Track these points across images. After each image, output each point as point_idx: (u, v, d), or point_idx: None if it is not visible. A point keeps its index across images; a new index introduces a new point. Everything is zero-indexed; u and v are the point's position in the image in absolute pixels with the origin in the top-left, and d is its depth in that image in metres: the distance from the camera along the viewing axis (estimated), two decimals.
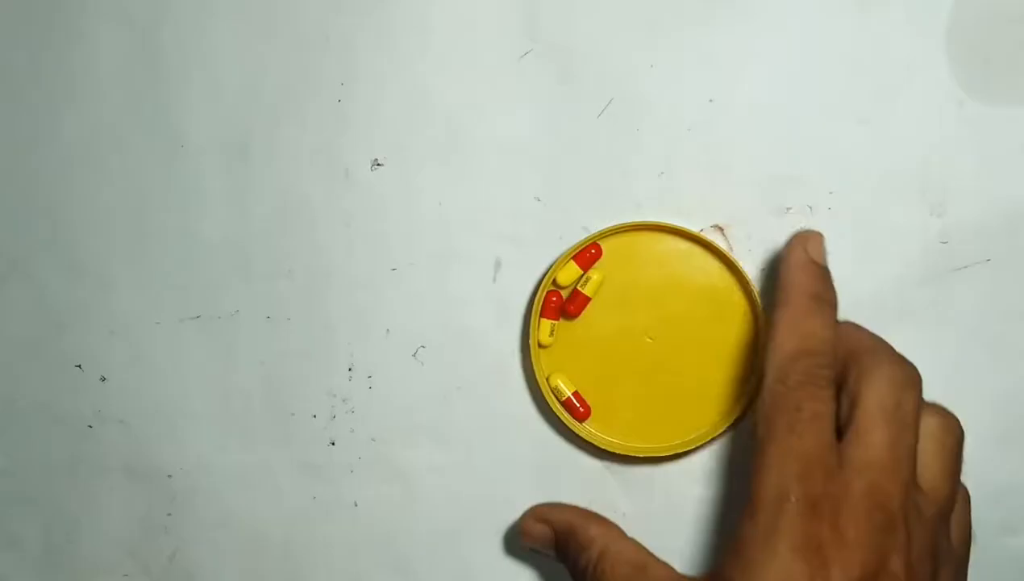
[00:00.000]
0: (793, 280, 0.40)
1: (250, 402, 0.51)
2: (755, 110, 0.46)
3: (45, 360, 0.52)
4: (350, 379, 0.50)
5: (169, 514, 0.52)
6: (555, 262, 0.46)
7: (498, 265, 0.48)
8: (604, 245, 0.46)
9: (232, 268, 0.50)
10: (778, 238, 0.46)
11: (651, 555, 0.38)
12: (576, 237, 0.47)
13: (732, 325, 0.45)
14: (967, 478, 0.40)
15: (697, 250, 0.46)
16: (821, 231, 0.44)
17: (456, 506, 0.50)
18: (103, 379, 0.52)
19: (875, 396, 0.36)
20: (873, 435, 0.35)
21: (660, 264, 0.46)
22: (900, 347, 0.40)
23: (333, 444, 0.51)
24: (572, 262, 0.46)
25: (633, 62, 0.47)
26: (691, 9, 0.46)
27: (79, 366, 0.52)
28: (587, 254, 0.46)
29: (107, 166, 0.51)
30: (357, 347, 0.50)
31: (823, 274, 0.41)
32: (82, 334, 0.52)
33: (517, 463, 0.49)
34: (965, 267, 0.46)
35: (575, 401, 0.46)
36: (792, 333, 0.38)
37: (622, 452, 0.45)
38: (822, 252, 0.42)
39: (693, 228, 0.45)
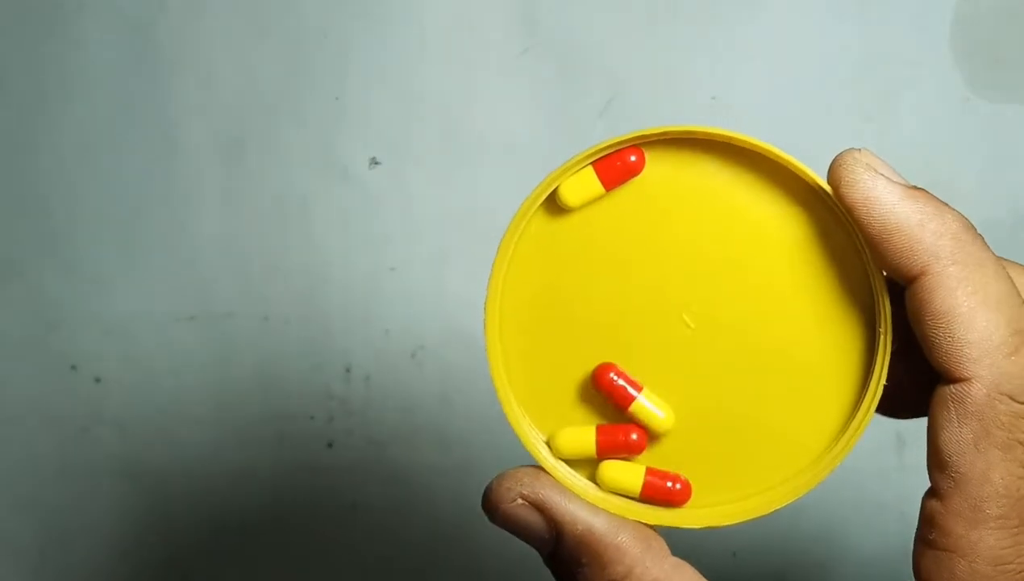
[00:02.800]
0: (937, 228, 0.24)
1: (247, 403, 0.51)
2: (757, 107, 0.46)
3: (39, 361, 0.52)
4: (348, 380, 0.50)
5: (166, 516, 0.52)
6: (562, 165, 0.28)
7: None
8: (648, 155, 0.27)
9: (228, 268, 0.50)
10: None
11: None
12: None
13: (834, 316, 0.26)
14: None
15: (782, 200, 0.26)
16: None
17: (455, 508, 0.49)
18: (98, 380, 0.52)
19: None
20: None
21: (722, 206, 0.27)
22: None
23: (331, 446, 0.50)
24: (590, 169, 0.28)
25: (633, 61, 0.46)
26: (692, 7, 0.46)
27: (74, 367, 0.52)
28: (617, 161, 0.27)
29: (103, 166, 0.51)
30: (355, 348, 0.49)
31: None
32: (76, 335, 0.52)
33: (517, 464, 0.49)
34: None
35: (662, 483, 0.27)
36: (994, 309, 0.24)
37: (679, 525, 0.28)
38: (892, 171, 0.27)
39: None
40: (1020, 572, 0.24)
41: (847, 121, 0.45)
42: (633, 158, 0.27)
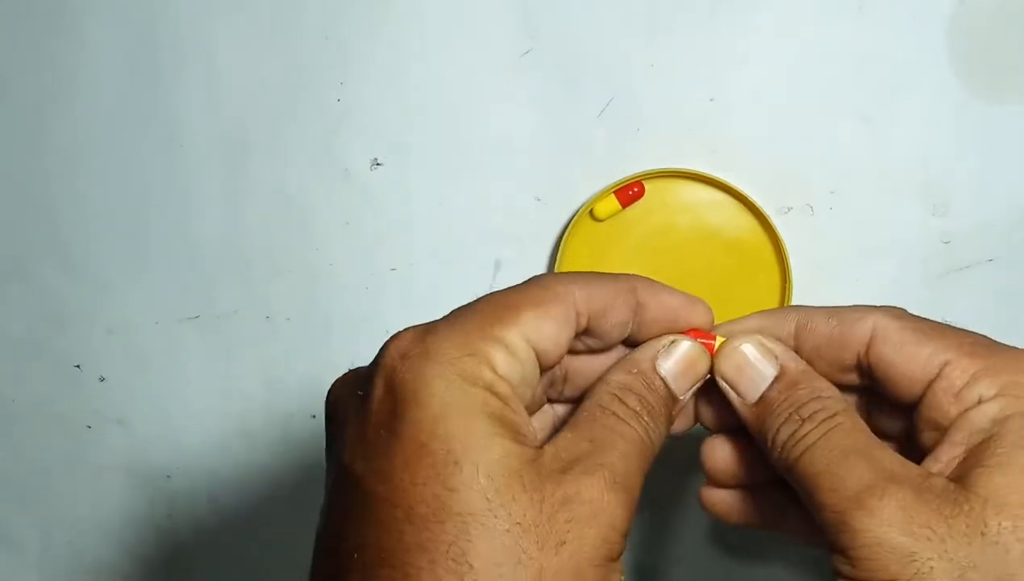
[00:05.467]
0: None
1: (249, 402, 0.51)
2: (756, 109, 0.46)
3: (44, 360, 0.52)
4: None
5: (168, 515, 0.52)
6: (594, 195, 0.46)
7: (498, 265, 0.48)
8: (647, 186, 0.45)
9: (231, 268, 0.50)
10: (781, 237, 0.46)
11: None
12: None
13: (759, 281, 0.45)
14: None
15: (735, 205, 0.45)
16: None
17: None
18: (102, 379, 0.52)
19: None
20: None
21: (695, 213, 0.46)
22: None
23: None
24: (612, 196, 0.45)
25: (633, 61, 0.46)
26: (691, 8, 0.46)
27: (78, 366, 0.52)
28: (628, 191, 0.45)
29: (106, 166, 0.51)
30: (356, 347, 0.50)
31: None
32: (81, 334, 0.52)
33: None
34: (967, 267, 0.46)
35: None
36: None
37: None
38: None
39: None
40: None
41: (845, 123, 0.46)
42: (636, 189, 0.46)
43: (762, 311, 0.33)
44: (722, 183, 0.45)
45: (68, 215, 0.51)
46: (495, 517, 0.25)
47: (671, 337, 0.31)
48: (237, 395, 0.51)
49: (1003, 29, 0.45)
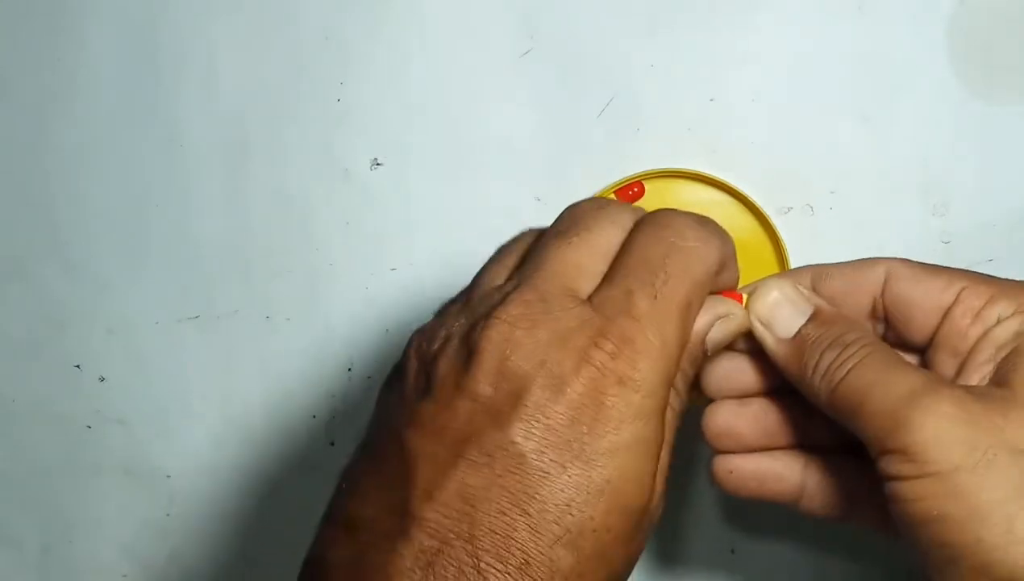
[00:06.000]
0: None
1: (249, 402, 0.51)
2: (756, 110, 0.46)
3: (44, 360, 0.52)
4: (349, 379, 0.50)
5: (168, 514, 0.52)
6: (594, 195, 0.45)
7: None
8: (647, 186, 0.46)
9: (231, 268, 0.50)
10: (781, 237, 0.46)
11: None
12: None
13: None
14: None
15: (735, 205, 0.45)
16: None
17: None
18: (102, 379, 0.52)
19: None
20: None
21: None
22: None
23: (333, 444, 0.50)
24: (612, 196, 0.46)
25: (633, 61, 0.46)
26: (691, 8, 0.46)
27: (78, 366, 0.52)
28: (629, 191, 0.45)
29: (106, 166, 0.51)
30: (357, 347, 0.50)
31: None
32: (81, 334, 0.52)
33: None
34: (967, 267, 0.46)
35: None
36: None
37: None
38: None
39: None
40: None
41: (845, 123, 0.46)
42: (636, 189, 0.46)
43: (777, 274, 0.35)
44: (722, 183, 0.45)
45: (68, 215, 0.51)
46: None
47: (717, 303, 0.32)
48: (237, 395, 0.51)
49: (1003, 29, 0.45)
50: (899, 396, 0.28)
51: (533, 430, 0.27)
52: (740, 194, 0.45)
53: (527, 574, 0.25)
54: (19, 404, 0.53)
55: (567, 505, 0.26)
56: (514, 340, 0.27)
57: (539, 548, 0.26)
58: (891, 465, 0.27)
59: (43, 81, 0.51)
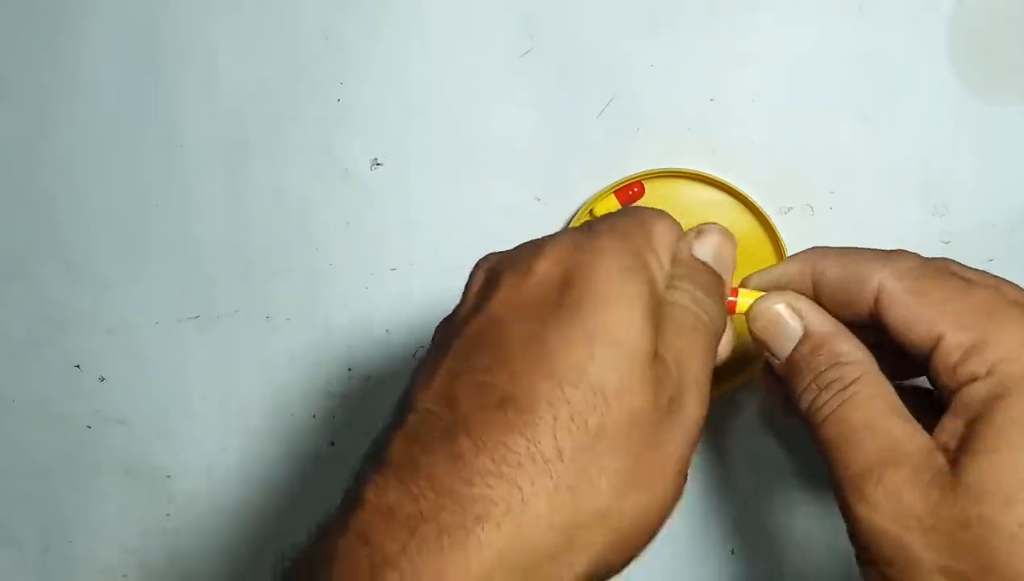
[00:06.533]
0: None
1: (249, 402, 0.51)
2: (756, 110, 0.46)
3: (44, 360, 0.52)
4: (349, 379, 0.50)
5: (168, 514, 0.52)
6: (594, 195, 0.46)
7: None
8: (647, 186, 0.46)
9: (231, 268, 0.50)
10: (781, 237, 0.46)
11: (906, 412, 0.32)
12: None
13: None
14: None
15: (735, 206, 0.45)
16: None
17: None
18: (102, 379, 0.52)
19: None
20: None
21: (695, 214, 0.45)
22: None
23: (333, 444, 0.50)
24: (612, 196, 0.46)
25: (633, 61, 0.46)
26: (691, 8, 0.46)
27: (78, 366, 0.52)
28: (629, 191, 0.45)
29: (106, 166, 0.51)
30: (356, 347, 0.50)
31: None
32: (81, 334, 0.52)
33: None
34: None
35: None
36: None
37: None
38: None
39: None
40: None
41: (845, 123, 0.46)
42: (636, 189, 0.46)
43: (786, 260, 0.35)
44: (722, 183, 0.45)
45: (68, 215, 0.52)
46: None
47: (695, 227, 0.33)
48: (237, 395, 0.51)
49: (1003, 29, 0.45)
50: (850, 475, 0.29)
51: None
52: (740, 194, 0.45)
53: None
54: (19, 404, 0.53)
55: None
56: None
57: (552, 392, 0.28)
58: (850, 539, 0.30)
59: (43, 81, 0.51)
